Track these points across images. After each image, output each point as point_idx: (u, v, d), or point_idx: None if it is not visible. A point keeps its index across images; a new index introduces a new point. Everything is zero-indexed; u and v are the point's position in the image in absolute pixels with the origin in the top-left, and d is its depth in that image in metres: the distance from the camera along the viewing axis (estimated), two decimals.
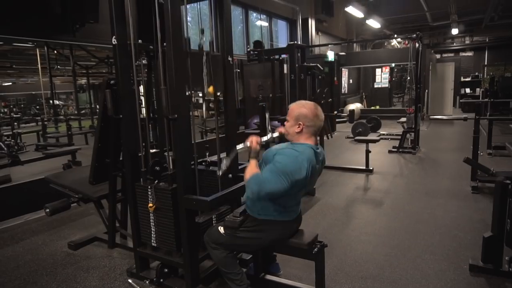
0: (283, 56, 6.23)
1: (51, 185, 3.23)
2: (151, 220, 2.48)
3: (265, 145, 2.22)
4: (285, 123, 2.01)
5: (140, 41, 2.46)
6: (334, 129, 9.75)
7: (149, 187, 2.42)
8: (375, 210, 4.04)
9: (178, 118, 2.18)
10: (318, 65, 5.76)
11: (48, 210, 3.15)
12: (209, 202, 2.15)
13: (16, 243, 3.46)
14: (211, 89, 2.38)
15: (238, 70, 9.02)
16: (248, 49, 6.24)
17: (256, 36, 9.40)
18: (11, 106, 12.37)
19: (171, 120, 2.16)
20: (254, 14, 9.40)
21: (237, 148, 2.18)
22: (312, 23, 10.71)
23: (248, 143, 2.05)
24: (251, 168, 1.96)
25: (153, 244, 2.52)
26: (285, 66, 6.48)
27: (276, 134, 2.15)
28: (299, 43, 6.37)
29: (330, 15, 11.22)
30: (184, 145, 2.24)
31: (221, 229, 2.16)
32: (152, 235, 2.50)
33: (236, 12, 8.70)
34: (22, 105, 13.77)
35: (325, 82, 8.87)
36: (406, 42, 14.56)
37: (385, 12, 12.51)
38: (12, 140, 6.85)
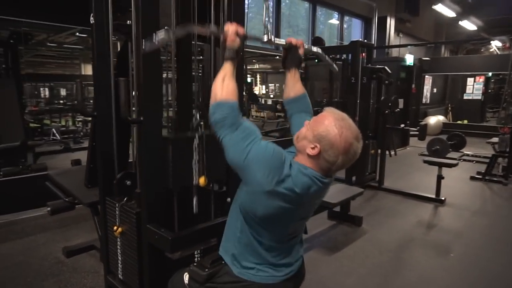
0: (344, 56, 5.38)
1: (46, 183, 2.94)
2: (118, 247, 1.97)
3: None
4: (305, 124, 1.27)
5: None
6: (406, 143, 8.51)
7: (116, 204, 1.92)
8: (437, 260, 3.06)
9: (146, 121, 1.63)
10: (385, 67, 4.81)
11: (49, 209, 2.88)
12: (170, 241, 1.56)
13: (19, 239, 3.27)
14: (202, 180, 1.73)
15: (302, 71, 8.34)
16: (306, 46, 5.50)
17: (325, 36, 8.59)
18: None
19: (132, 123, 1.62)
20: (323, 11, 8.60)
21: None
22: (391, 23, 9.50)
23: (221, 34, 1.31)
24: (226, 80, 1.25)
25: (119, 276, 2.01)
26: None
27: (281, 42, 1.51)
28: (365, 41, 5.47)
29: (415, 14, 9.85)
30: (150, 158, 1.67)
31: (186, 278, 1.56)
32: (119, 265, 2.00)
33: (302, 8, 8.00)
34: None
35: (397, 89, 7.73)
36: (507, 44, 12.31)
37: (484, 13, 10.66)
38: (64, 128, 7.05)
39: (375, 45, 8.99)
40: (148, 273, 1.75)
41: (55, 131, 5.91)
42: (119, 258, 1.98)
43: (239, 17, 1.87)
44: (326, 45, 7.41)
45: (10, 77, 5.07)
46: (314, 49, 1.71)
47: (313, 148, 1.18)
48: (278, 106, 15.93)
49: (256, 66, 18.85)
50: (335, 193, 3.66)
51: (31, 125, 7.45)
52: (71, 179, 3.01)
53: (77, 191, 2.77)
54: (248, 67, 18.39)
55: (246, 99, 16.11)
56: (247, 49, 7.39)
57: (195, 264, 1.56)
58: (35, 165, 4.71)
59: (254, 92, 18.01)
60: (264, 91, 20.60)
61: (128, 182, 1.91)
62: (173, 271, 1.83)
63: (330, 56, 5.64)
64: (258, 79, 20.90)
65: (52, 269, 2.74)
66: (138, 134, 1.68)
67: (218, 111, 1.21)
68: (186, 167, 1.68)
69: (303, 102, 1.54)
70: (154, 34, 1.27)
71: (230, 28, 1.29)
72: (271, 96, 19.57)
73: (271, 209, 1.19)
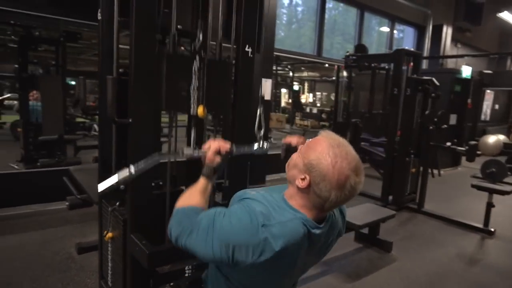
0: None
1: (64, 178, 2.98)
2: (108, 252, 1.89)
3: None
4: (299, 148, 1.08)
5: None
6: (457, 163, 7.79)
7: (109, 208, 1.83)
8: None
9: (134, 123, 1.52)
10: (433, 79, 4.38)
11: (67, 203, 2.91)
12: (147, 256, 1.42)
13: (41, 229, 3.36)
14: (200, 110, 1.60)
15: (346, 80, 7.97)
16: (347, 53, 5.21)
17: (372, 44, 8.17)
18: None
19: (119, 124, 1.52)
20: (376, 18, 8.18)
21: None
22: (447, 31, 8.81)
23: (202, 150, 1.21)
24: (192, 192, 1.14)
25: (108, 283, 1.92)
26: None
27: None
28: (411, 50, 5.04)
29: (476, 23, 9.06)
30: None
31: None
32: (109, 271, 1.91)
33: (350, 14, 7.67)
34: None
35: (450, 104, 7.10)
36: None
37: None
38: None
39: (428, 55, 8.38)
40: (131, 285, 1.64)
41: (96, 127, 6.14)
42: (109, 264, 1.89)
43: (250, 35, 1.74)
44: (373, 53, 7.03)
45: (58, 74, 5.34)
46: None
47: (302, 180, 0.97)
48: (324, 115, 15.61)
49: (305, 74, 18.63)
50: (363, 213, 3.35)
51: (78, 120, 7.88)
52: (88, 176, 3.02)
53: (89, 189, 2.77)
54: (296, 75, 18.27)
55: (291, 107, 15.98)
56: (296, 56, 7.25)
57: (171, 284, 1.42)
58: (70, 159, 4.90)
59: (300, 100, 17.78)
60: (311, 100, 20.28)
61: (122, 186, 1.82)
62: (162, 284, 1.71)
63: (373, 65, 5.34)
64: (306, 87, 20.64)
65: (61, 265, 2.74)
66: (122, 135, 1.57)
67: (175, 218, 1.06)
68: (182, 91, 1.55)
69: None
70: (117, 174, 1.19)
71: (212, 147, 1.19)
72: (318, 104, 19.20)
73: (254, 275, 1.03)
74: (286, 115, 15.23)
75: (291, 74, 16.90)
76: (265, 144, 1.38)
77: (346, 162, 0.94)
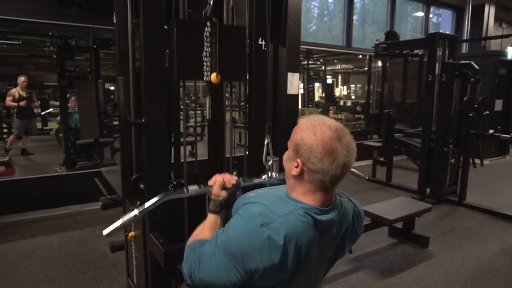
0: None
1: (95, 179, 3.10)
2: (132, 251, 1.93)
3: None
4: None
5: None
6: (505, 152, 7.26)
7: (131, 207, 1.87)
8: None
9: (147, 123, 1.54)
10: (471, 63, 4.10)
11: (101, 204, 3.04)
12: (164, 254, 1.43)
13: (79, 229, 3.53)
14: (214, 76, 1.58)
15: (379, 70, 7.68)
16: (377, 41, 5.00)
17: (407, 29, 7.80)
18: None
19: (133, 125, 1.54)
20: (410, 3, 7.79)
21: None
22: (489, 11, 8.19)
23: (208, 185, 1.21)
24: (201, 229, 1.13)
25: (134, 281, 1.97)
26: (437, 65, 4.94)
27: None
28: (446, 33, 4.73)
29: None
30: (154, 162, 1.58)
31: None
32: (134, 269, 1.96)
33: (382, 2, 7.35)
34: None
35: (494, 88, 6.61)
36: None
37: None
38: None
39: (468, 37, 7.86)
40: (152, 283, 1.66)
41: None
42: (134, 262, 1.94)
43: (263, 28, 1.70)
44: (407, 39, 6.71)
45: (92, 80, 5.58)
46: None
47: (296, 167, 0.95)
48: (358, 108, 15.17)
49: (338, 66, 18.26)
50: (396, 207, 3.21)
51: (115, 122, 8.20)
52: (118, 177, 3.12)
53: (118, 189, 2.86)
54: (330, 68, 17.93)
55: (325, 101, 15.68)
56: (329, 49, 7.08)
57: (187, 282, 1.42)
58: (106, 160, 5.11)
59: (334, 93, 17.42)
60: (345, 92, 19.82)
61: (142, 186, 1.85)
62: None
63: (404, 52, 5.08)
64: (339, 80, 20.20)
65: (96, 262, 2.86)
66: (139, 137, 1.59)
67: (183, 260, 1.05)
68: (194, 57, 1.52)
69: None
70: (121, 218, 1.19)
71: (217, 181, 1.18)
72: (353, 97, 18.72)
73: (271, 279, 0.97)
74: (320, 109, 14.98)
75: (323, 67, 16.60)
76: (275, 174, 1.37)
77: (326, 127, 0.93)
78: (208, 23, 1.53)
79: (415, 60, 5.18)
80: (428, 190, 4.47)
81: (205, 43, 1.54)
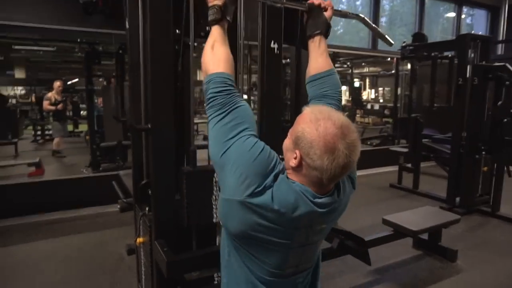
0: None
1: (113, 182, 3.12)
2: (141, 257, 1.91)
3: None
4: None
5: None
6: None
7: (140, 213, 1.85)
8: None
9: (154, 128, 1.51)
10: (506, 65, 3.84)
11: (118, 206, 3.06)
12: (166, 264, 1.39)
13: (98, 231, 3.58)
14: None
15: (407, 73, 7.41)
16: (403, 44, 4.80)
17: (438, 30, 7.49)
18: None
19: (139, 131, 1.51)
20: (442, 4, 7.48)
21: None
22: None
23: None
24: (215, 47, 1.05)
25: (143, 287, 1.94)
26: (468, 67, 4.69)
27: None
28: (479, 34, 4.46)
29: None
30: (160, 169, 1.54)
31: None
32: (142, 275, 1.93)
33: (412, 3, 7.08)
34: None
35: None
36: None
37: None
38: None
39: (504, 38, 7.44)
40: None
41: None
42: (142, 268, 1.91)
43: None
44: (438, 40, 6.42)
45: (118, 84, 5.70)
46: (361, 15, 1.44)
47: (295, 158, 0.90)
48: (386, 111, 14.77)
49: (366, 69, 17.93)
50: (421, 217, 3.04)
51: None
52: None
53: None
54: (357, 71, 17.60)
55: (351, 104, 15.37)
56: (354, 52, 6.89)
57: None
58: (129, 163, 5.18)
59: (361, 96, 17.06)
60: (373, 96, 19.39)
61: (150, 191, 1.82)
62: None
63: (433, 54, 4.85)
64: (367, 83, 19.78)
65: (112, 266, 2.88)
66: (146, 143, 1.56)
67: (211, 87, 0.99)
68: (204, 203, 1.57)
69: (327, 82, 1.18)
70: None
71: None
72: (381, 100, 18.27)
73: (245, 225, 0.92)
74: (346, 113, 14.66)
75: (351, 70, 16.30)
76: None
77: (330, 122, 0.87)
78: None
79: (445, 63, 4.93)
80: (458, 199, 4.22)
81: (214, 188, 1.59)
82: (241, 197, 0.88)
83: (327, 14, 1.23)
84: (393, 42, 1.48)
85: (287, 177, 0.93)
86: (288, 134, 0.96)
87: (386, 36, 1.47)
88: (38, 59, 10.86)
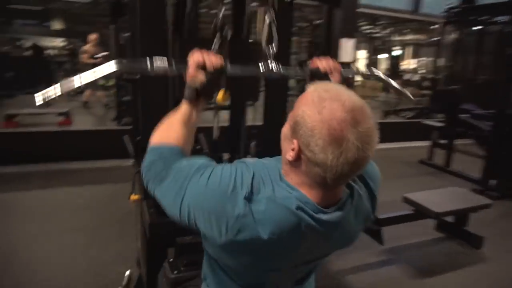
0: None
1: (123, 137, 3.05)
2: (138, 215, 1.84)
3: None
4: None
5: None
6: None
7: (136, 170, 1.76)
8: None
9: (142, 79, 1.36)
10: None
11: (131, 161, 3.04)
12: (149, 225, 1.29)
13: (110, 183, 3.61)
14: (220, 96, 1.28)
15: (452, 40, 6.75)
16: (448, 5, 4.26)
17: None
18: None
19: (128, 81, 1.37)
20: None
21: None
22: None
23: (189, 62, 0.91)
24: (171, 122, 0.89)
25: (139, 245, 1.90)
26: None
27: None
28: None
29: None
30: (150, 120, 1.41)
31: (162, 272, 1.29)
32: (138, 234, 1.88)
33: None
34: None
35: None
36: None
37: None
38: None
39: None
40: (147, 252, 1.56)
41: None
42: (138, 226, 1.85)
43: None
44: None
45: None
46: (376, 72, 1.21)
47: (293, 150, 0.70)
48: (426, 83, 13.92)
49: (408, 37, 16.82)
50: (448, 198, 2.79)
51: None
52: None
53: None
54: (398, 38, 16.58)
55: (389, 74, 14.60)
56: (392, 14, 6.26)
57: (170, 260, 1.27)
58: None
59: (399, 66, 16.15)
60: (414, 66, 18.29)
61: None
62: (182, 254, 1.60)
63: (482, 19, 4.30)
64: (409, 52, 18.61)
65: (121, 218, 2.87)
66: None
67: (147, 157, 0.84)
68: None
69: None
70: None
71: (194, 59, 0.89)
72: (423, 71, 17.20)
73: (237, 263, 0.80)
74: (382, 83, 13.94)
75: (391, 37, 15.34)
76: (275, 65, 1.06)
77: (338, 103, 0.65)
78: (217, 35, 1.30)
79: (495, 31, 4.37)
80: (493, 182, 3.88)
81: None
82: (220, 241, 0.72)
83: (334, 79, 0.99)
84: (413, 98, 1.32)
85: (281, 180, 0.75)
86: (288, 118, 0.75)
87: (407, 92, 1.26)
88: (75, 11, 10.89)
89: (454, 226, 2.90)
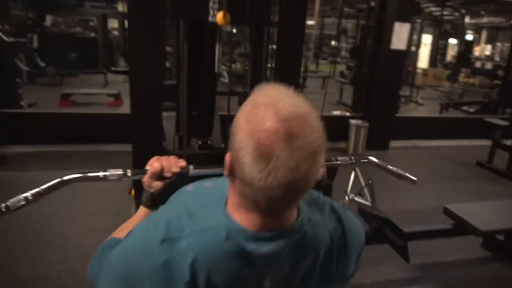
0: None
1: None
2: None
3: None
4: None
5: None
6: None
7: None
8: None
9: (130, 69, 1.26)
10: None
11: None
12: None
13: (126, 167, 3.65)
14: (220, 16, 1.18)
15: None
16: None
17: None
18: None
19: (116, 73, 1.26)
20: None
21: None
22: None
23: (147, 168, 0.87)
24: (126, 225, 0.84)
25: None
26: None
27: None
28: None
29: None
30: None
31: None
32: None
33: None
34: None
35: None
36: None
37: None
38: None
39: None
40: None
41: (225, 74, 6.38)
42: None
43: None
44: None
45: None
46: (372, 159, 1.18)
47: (230, 166, 0.58)
48: (499, 72, 12.52)
49: (484, 19, 15.15)
50: (502, 212, 2.40)
51: None
52: (170, 123, 3.06)
53: (169, 136, 2.80)
54: (473, 21, 15.01)
55: (456, 61, 13.28)
56: None
57: None
58: None
59: (469, 52, 14.62)
60: (488, 52, 16.49)
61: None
62: None
63: None
64: (484, 37, 16.79)
65: (129, 200, 2.89)
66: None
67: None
68: None
69: None
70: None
71: (151, 168, 0.85)
72: (496, 59, 15.45)
73: None
74: (447, 71, 12.78)
75: (463, 20, 13.87)
76: None
77: (272, 112, 0.52)
78: None
79: None
80: None
81: None
82: None
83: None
84: (416, 179, 1.14)
85: (221, 204, 0.63)
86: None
87: (407, 174, 1.16)
88: None
89: (505, 245, 2.51)
